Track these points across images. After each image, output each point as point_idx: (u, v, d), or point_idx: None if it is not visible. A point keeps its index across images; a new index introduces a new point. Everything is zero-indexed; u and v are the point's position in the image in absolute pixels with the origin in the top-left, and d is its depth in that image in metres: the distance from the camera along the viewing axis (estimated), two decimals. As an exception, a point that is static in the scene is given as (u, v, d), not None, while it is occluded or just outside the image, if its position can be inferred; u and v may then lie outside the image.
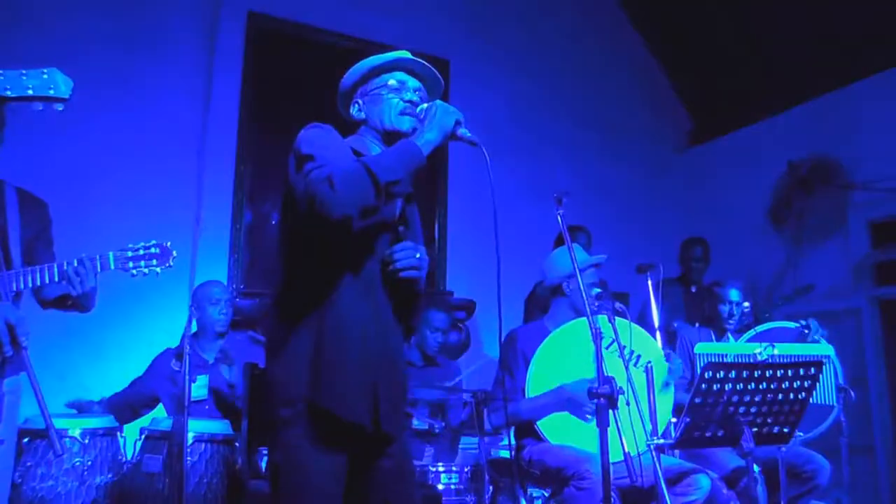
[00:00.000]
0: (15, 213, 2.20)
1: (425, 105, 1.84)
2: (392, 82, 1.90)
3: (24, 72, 1.89)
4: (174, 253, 2.20)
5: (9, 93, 1.88)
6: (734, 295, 3.74)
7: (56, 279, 2.07)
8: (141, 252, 2.16)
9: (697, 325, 4.01)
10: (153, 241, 2.18)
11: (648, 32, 6.34)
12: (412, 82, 1.92)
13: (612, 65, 6.14)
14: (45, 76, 1.91)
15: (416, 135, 1.76)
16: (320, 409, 1.67)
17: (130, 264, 2.15)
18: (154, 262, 2.16)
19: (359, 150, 1.83)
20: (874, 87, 4.96)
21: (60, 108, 1.95)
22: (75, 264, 2.07)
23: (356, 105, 1.94)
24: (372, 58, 1.93)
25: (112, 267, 2.13)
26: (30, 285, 2.09)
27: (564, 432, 2.76)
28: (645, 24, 6.32)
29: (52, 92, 1.91)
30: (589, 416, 2.70)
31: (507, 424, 2.87)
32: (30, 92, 1.90)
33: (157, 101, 4.46)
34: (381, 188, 1.62)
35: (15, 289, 2.06)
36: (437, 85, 1.98)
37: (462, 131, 1.78)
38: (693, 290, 4.80)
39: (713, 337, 3.71)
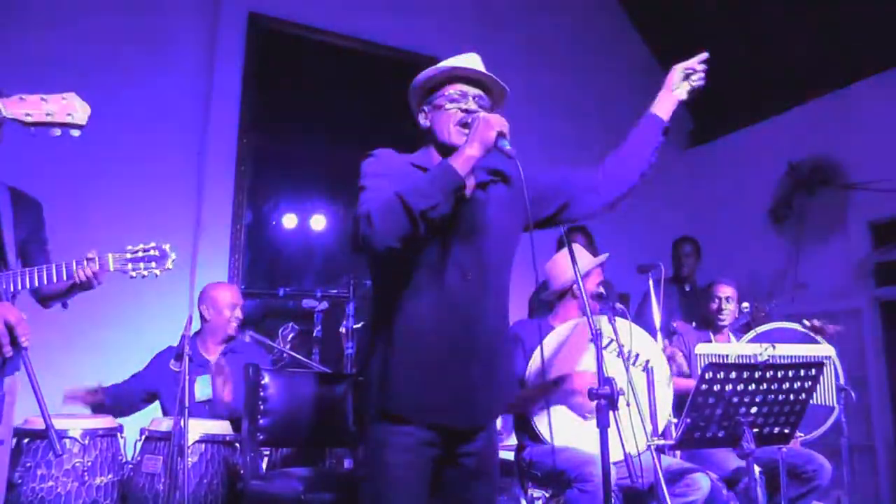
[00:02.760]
0: (9, 213, 2.19)
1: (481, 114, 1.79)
2: (452, 92, 1.88)
3: (43, 97, 1.89)
4: (173, 255, 2.22)
5: (28, 118, 1.88)
6: (722, 290, 3.75)
7: (64, 278, 2.08)
8: (140, 254, 2.17)
9: (694, 324, 4.01)
10: (152, 244, 2.19)
11: (648, 32, 6.33)
12: (473, 90, 1.89)
13: (612, 65, 6.12)
14: (64, 101, 1.91)
15: (456, 152, 1.73)
16: (391, 414, 1.74)
17: (129, 266, 2.16)
18: (153, 264, 2.18)
19: (421, 165, 1.86)
20: (874, 88, 4.96)
21: (77, 134, 1.95)
22: (82, 266, 2.09)
23: (423, 114, 1.94)
24: (437, 66, 1.91)
25: (111, 268, 2.15)
26: (35, 285, 2.08)
27: (563, 433, 2.76)
28: (645, 24, 6.32)
29: (70, 118, 1.91)
30: (588, 415, 2.69)
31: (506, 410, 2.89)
32: (48, 118, 1.90)
33: (158, 102, 4.46)
34: (416, 217, 1.63)
35: (13, 289, 2.04)
36: (500, 91, 1.95)
37: (502, 143, 1.71)
38: (687, 288, 4.81)
39: (711, 338, 3.70)
